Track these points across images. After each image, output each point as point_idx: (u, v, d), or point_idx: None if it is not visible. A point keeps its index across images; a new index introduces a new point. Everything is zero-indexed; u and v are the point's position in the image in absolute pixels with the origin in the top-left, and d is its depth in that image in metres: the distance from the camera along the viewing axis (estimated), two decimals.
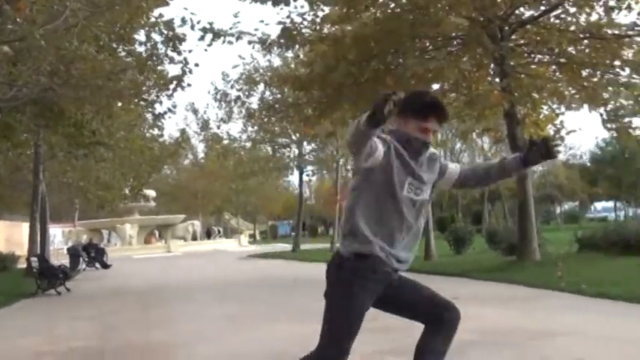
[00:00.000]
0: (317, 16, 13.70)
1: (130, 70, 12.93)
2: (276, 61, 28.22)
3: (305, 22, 13.77)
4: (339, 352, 2.94)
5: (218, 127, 35.15)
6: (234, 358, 5.90)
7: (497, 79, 13.37)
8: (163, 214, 45.27)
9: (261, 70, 28.56)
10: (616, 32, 12.51)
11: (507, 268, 13.00)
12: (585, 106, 13.52)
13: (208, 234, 48.99)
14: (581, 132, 40.19)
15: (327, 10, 13.65)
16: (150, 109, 16.13)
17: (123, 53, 13.64)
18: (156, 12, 12.87)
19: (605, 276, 10.18)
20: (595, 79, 13.29)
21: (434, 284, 3.31)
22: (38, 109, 13.94)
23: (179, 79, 13.40)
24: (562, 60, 13.34)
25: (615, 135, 15.11)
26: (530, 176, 15.54)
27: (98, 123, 15.65)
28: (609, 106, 13.49)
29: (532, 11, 13.39)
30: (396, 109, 2.56)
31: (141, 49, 13.60)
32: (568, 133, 14.37)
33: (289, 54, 23.27)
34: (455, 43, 13.96)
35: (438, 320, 3.05)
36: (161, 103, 15.07)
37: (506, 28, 13.14)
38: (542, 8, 13.10)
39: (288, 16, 13.53)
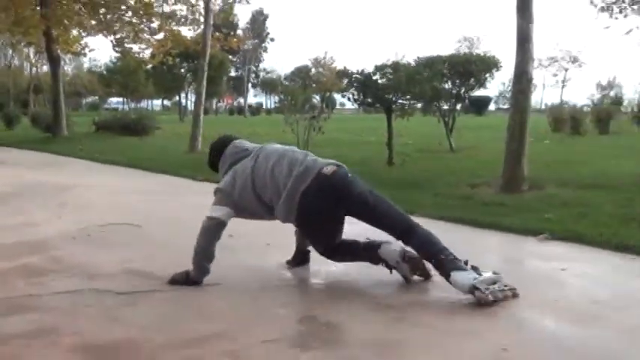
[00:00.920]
0: None
1: None
2: None
3: None
4: None
5: None
6: None
7: (38, 8, 18.51)
8: None
9: None
10: None
11: (45, 141, 17.11)
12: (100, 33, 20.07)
13: None
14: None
15: None
16: None
17: None
18: None
19: (112, 149, 13.82)
20: (109, 16, 19.80)
21: None
22: None
23: None
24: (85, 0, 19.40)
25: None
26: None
27: None
28: (117, 35, 20.33)
29: None
30: None
31: None
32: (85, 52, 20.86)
33: None
34: None
35: None
36: None
37: None
38: None
39: None
